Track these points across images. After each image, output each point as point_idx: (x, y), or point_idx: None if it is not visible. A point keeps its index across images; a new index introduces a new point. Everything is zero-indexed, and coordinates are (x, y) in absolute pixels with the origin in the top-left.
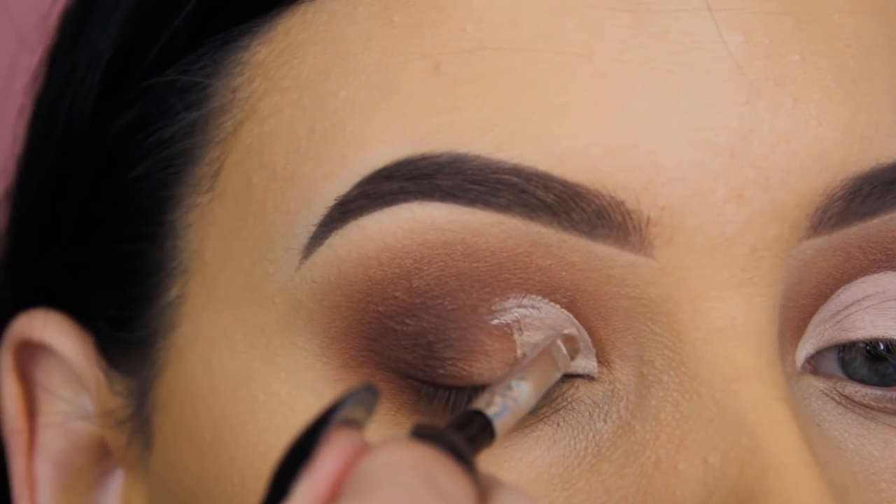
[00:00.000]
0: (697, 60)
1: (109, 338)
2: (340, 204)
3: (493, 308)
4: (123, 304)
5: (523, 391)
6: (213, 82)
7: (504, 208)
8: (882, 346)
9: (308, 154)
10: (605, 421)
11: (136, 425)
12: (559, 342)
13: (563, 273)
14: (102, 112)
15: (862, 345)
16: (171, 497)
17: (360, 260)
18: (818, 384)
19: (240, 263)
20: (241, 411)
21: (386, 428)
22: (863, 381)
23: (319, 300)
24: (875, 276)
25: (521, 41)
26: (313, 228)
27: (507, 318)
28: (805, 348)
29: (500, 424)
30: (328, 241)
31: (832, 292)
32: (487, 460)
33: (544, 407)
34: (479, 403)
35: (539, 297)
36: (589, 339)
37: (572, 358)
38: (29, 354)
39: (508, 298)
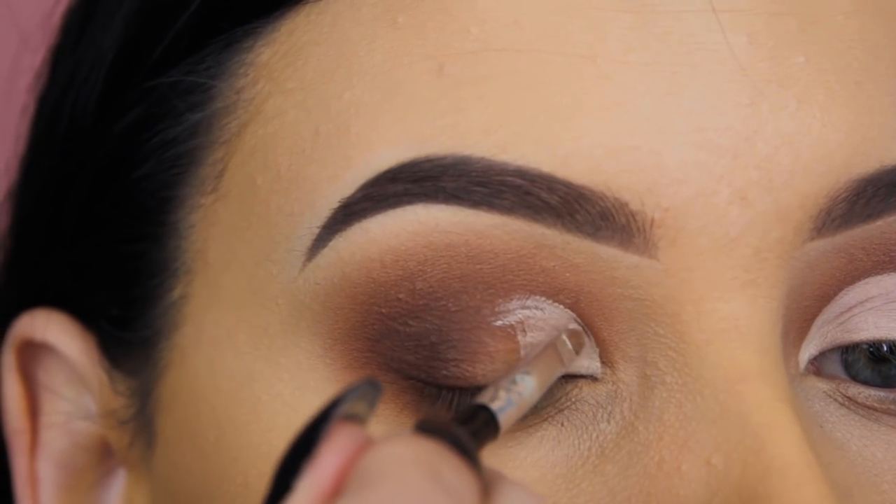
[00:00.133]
0: (701, 62)
1: (112, 338)
2: (344, 206)
3: (496, 309)
4: (126, 304)
5: (528, 386)
6: (217, 83)
7: (508, 210)
8: (885, 348)
9: (312, 156)
10: (608, 421)
11: (139, 425)
12: (564, 337)
13: (567, 274)
14: (106, 112)
15: (865, 346)
16: (174, 497)
17: (364, 262)
18: (821, 385)
19: (243, 264)
20: (244, 412)
21: (389, 429)
22: (866, 383)
23: (323, 302)
24: (878, 277)
25: (525, 42)
26: (317, 230)
27: (510, 319)
28: (808, 350)
29: (505, 419)
30: (332, 244)
31: (835, 294)
32: (491, 459)
33: (548, 407)
34: (484, 398)
35: (543, 298)
36: (592, 340)
37: (577, 353)
38: (31, 354)
39: (512, 300)
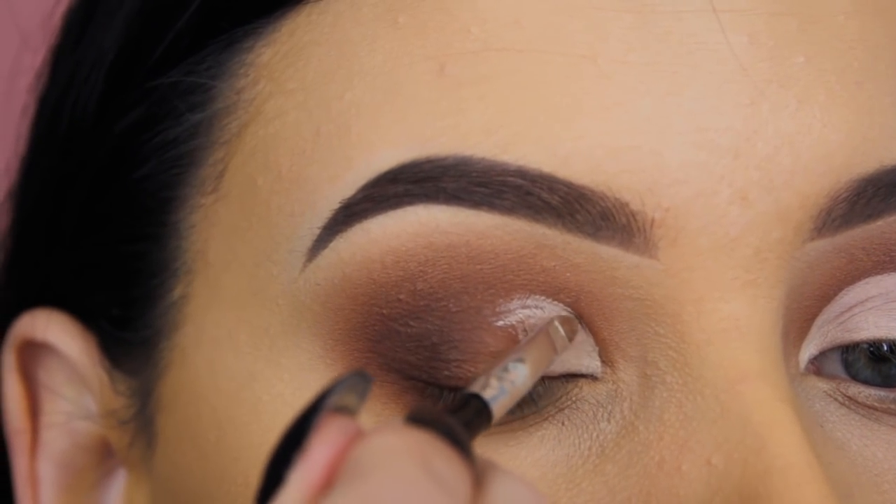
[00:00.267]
0: (701, 62)
1: (112, 338)
2: (345, 207)
3: (497, 309)
4: (126, 304)
5: (520, 373)
6: (218, 84)
7: (509, 210)
8: (886, 347)
9: (313, 156)
10: (608, 421)
11: (140, 425)
12: (556, 324)
13: (568, 274)
14: (106, 112)
15: (865, 346)
16: (175, 497)
17: (365, 263)
18: (822, 385)
19: (244, 265)
20: (244, 412)
21: None
22: (866, 382)
23: (323, 302)
24: (879, 277)
25: (526, 42)
26: (317, 231)
27: (511, 319)
28: (808, 349)
29: (497, 407)
30: (332, 245)
31: (836, 294)
32: (492, 459)
33: (549, 406)
34: (476, 386)
35: (543, 298)
36: (591, 337)
37: (570, 339)
38: (32, 354)
39: (512, 300)
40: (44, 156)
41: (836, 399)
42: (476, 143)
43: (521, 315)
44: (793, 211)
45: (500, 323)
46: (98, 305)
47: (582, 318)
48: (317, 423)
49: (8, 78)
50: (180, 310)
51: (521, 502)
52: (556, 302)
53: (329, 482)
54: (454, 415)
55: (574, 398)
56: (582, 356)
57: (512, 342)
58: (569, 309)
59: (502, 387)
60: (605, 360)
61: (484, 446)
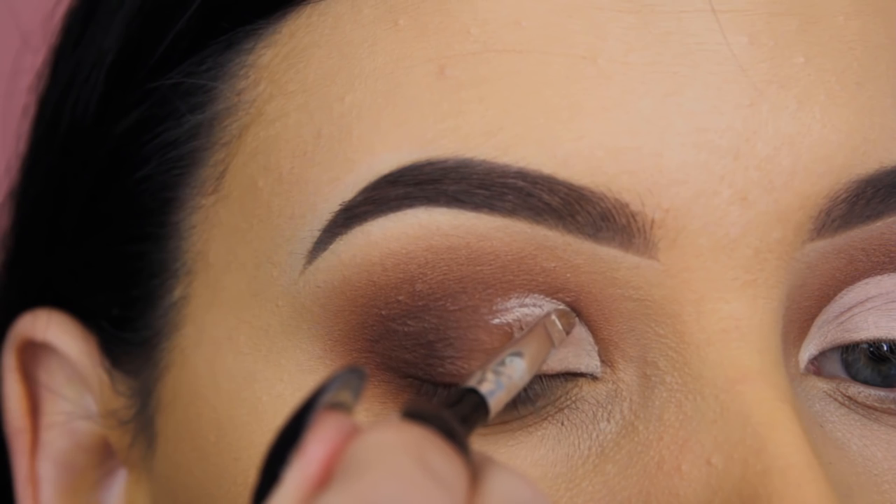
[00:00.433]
0: (701, 62)
1: (113, 338)
2: (346, 209)
3: (494, 308)
4: (127, 304)
5: (517, 367)
6: (218, 85)
7: (509, 212)
8: (885, 347)
9: (314, 158)
10: (608, 421)
11: (140, 425)
12: (554, 317)
13: (568, 275)
14: (106, 112)
15: (865, 346)
16: (175, 497)
17: (365, 265)
18: (821, 385)
19: (244, 266)
20: (244, 412)
21: None
22: (866, 383)
23: (323, 304)
24: (878, 277)
25: (526, 43)
26: (318, 233)
27: (508, 317)
28: (808, 349)
29: (494, 402)
30: (332, 247)
31: (835, 294)
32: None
33: (549, 406)
34: (472, 381)
35: (542, 297)
36: (591, 337)
37: (567, 333)
38: (32, 354)
39: (510, 299)
40: (44, 156)
41: (835, 399)
42: (476, 145)
43: (518, 314)
44: (793, 211)
45: (497, 321)
46: (98, 306)
47: (582, 317)
48: (312, 421)
49: (8, 78)
50: (180, 310)
51: (517, 496)
52: (554, 301)
53: (325, 479)
54: (450, 409)
55: (574, 398)
56: (581, 355)
57: (508, 340)
58: (568, 309)
59: (499, 381)
60: (605, 359)
61: (484, 446)
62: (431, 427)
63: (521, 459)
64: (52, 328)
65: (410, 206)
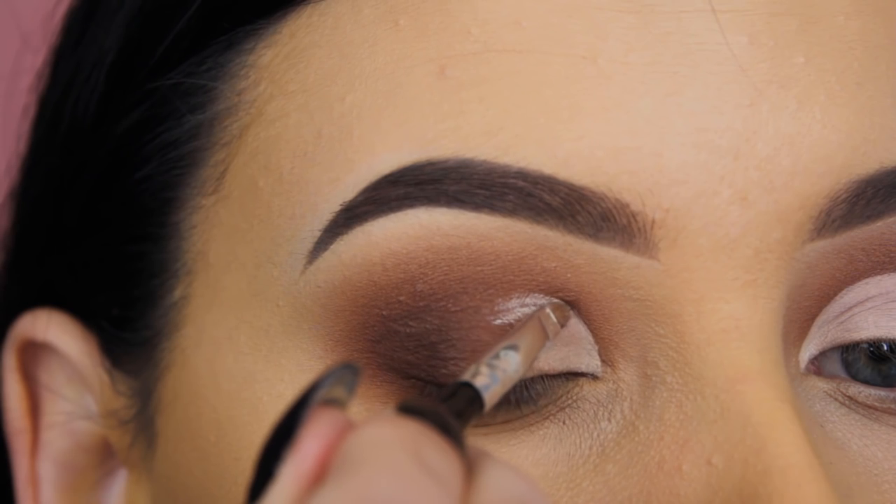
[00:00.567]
0: (701, 62)
1: (113, 338)
2: (346, 209)
3: (495, 308)
4: (127, 304)
5: (512, 361)
6: (219, 85)
7: (510, 212)
8: (885, 347)
9: (315, 159)
10: (609, 420)
11: (140, 425)
12: (548, 310)
13: (568, 275)
14: (107, 112)
15: (865, 345)
16: (175, 497)
17: (365, 266)
18: (822, 385)
19: (244, 266)
20: (244, 412)
21: None
22: (866, 382)
23: (324, 304)
24: (878, 277)
25: (526, 43)
26: (318, 233)
27: (509, 317)
28: (809, 349)
29: (490, 396)
30: (333, 247)
31: (835, 294)
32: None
33: (549, 405)
34: (467, 375)
35: (542, 297)
36: (591, 337)
37: (562, 325)
38: (32, 354)
39: (511, 299)
40: (45, 156)
41: (836, 399)
42: (477, 146)
43: (519, 314)
44: (793, 211)
45: (499, 322)
46: (99, 306)
47: (582, 317)
48: (306, 417)
49: (9, 78)
50: (181, 310)
51: (512, 490)
52: (554, 299)
53: (320, 476)
54: (445, 404)
55: (574, 397)
56: (582, 355)
57: None
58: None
59: (494, 374)
60: (606, 359)
61: (486, 445)
62: (426, 422)
63: (522, 458)
64: (53, 328)
65: (411, 206)
